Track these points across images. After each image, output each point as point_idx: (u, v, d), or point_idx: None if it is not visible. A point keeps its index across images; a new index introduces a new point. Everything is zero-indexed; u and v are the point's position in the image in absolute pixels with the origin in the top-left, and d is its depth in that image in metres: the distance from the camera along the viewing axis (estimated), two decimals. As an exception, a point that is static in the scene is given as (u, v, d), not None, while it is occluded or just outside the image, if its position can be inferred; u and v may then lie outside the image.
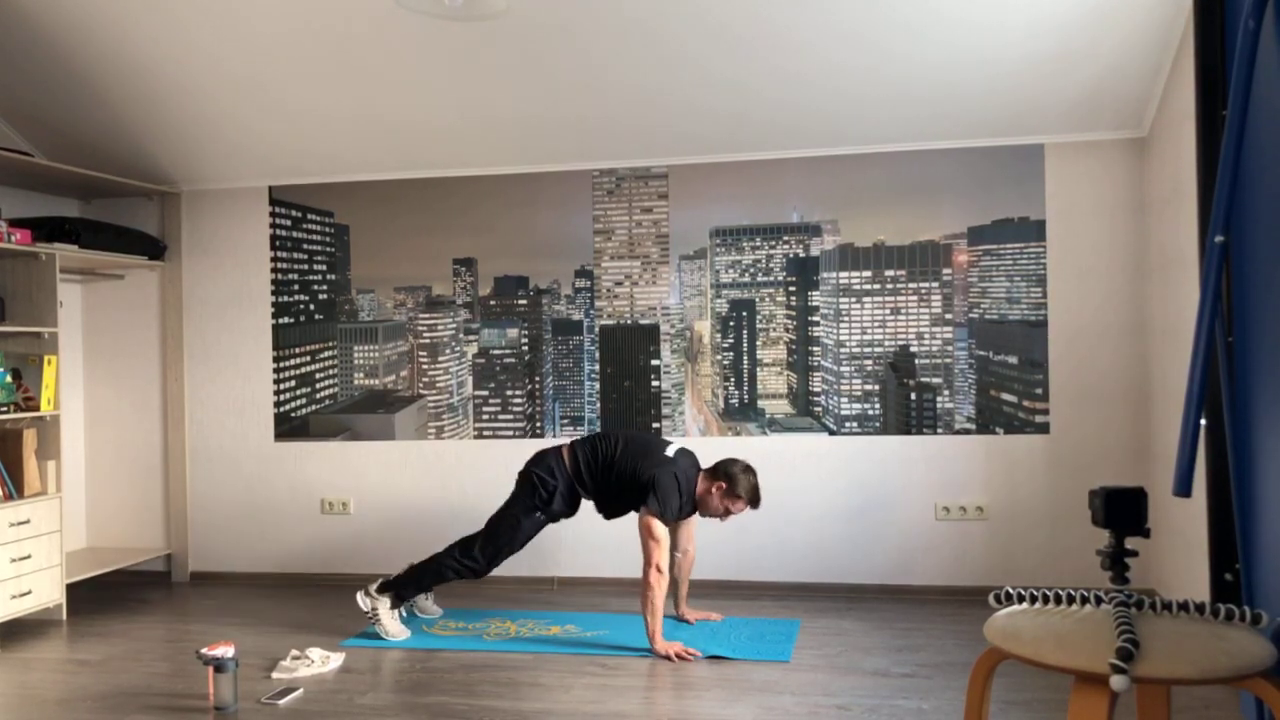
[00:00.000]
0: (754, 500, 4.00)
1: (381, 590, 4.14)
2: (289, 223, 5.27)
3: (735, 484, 3.95)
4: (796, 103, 4.43)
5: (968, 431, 4.65)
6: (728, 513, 4.01)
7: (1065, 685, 3.41)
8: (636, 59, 4.21)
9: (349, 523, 5.19)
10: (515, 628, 4.23)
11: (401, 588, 4.16)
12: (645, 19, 3.97)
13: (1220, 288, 2.23)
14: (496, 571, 4.88)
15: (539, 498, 4.09)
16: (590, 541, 4.87)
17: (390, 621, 4.10)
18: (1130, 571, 2.07)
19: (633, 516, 4.03)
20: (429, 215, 5.13)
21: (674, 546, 4.11)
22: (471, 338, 5.12)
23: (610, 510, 4.17)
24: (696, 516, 4.15)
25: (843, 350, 4.77)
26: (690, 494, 4.00)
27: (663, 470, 3.94)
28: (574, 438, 4.43)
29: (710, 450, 4.81)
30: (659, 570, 3.81)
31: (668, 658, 3.75)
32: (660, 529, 3.85)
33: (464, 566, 4.11)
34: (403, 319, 5.16)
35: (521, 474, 4.20)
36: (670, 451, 4.06)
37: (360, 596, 4.15)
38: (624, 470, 4.02)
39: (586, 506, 4.24)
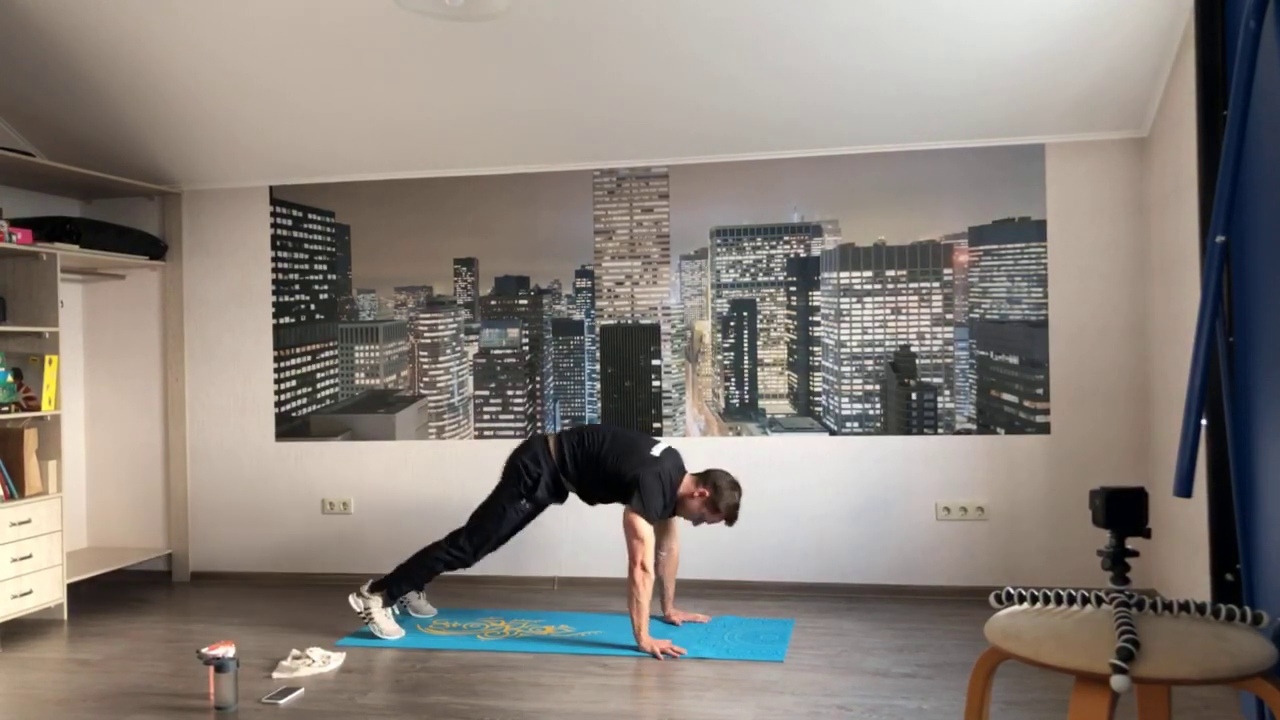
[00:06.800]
0: (730, 518, 4.04)
1: (373, 590, 4.16)
2: (290, 222, 5.27)
3: (720, 496, 3.99)
4: (797, 102, 4.43)
5: (968, 432, 4.65)
6: (702, 520, 4.06)
7: (1066, 685, 3.41)
8: (637, 58, 4.21)
9: (350, 522, 5.19)
10: (510, 627, 4.23)
11: (393, 584, 4.18)
12: (646, 18, 3.97)
13: (1221, 288, 2.23)
14: (496, 571, 4.89)
15: (524, 485, 4.12)
16: (591, 542, 4.87)
17: (384, 620, 4.11)
18: (1131, 572, 2.07)
19: (619, 513, 4.05)
20: (430, 215, 5.13)
21: (658, 546, 4.13)
22: (472, 337, 5.11)
23: (593, 499, 4.21)
24: (679, 518, 4.20)
25: (843, 350, 4.77)
26: (672, 494, 4.02)
27: (646, 470, 3.96)
28: (563, 428, 4.45)
29: (710, 450, 4.82)
30: (644, 569, 3.84)
31: (653, 654, 3.77)
32: (644, 527, 3.88)
33: (452, 557, 4.14)
34: (403, 319, 5.16)
35: (508, 461, 4.23)
36: (656, 451, 4.08)
37: (352, 598, 4.16)
38: (609, 466, 4.05)
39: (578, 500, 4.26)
